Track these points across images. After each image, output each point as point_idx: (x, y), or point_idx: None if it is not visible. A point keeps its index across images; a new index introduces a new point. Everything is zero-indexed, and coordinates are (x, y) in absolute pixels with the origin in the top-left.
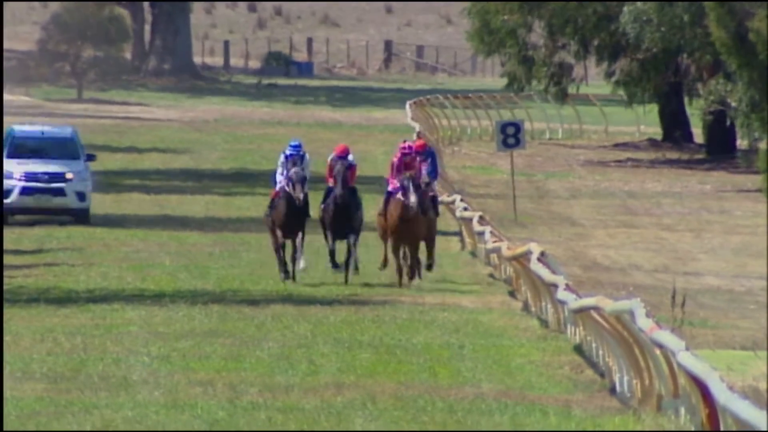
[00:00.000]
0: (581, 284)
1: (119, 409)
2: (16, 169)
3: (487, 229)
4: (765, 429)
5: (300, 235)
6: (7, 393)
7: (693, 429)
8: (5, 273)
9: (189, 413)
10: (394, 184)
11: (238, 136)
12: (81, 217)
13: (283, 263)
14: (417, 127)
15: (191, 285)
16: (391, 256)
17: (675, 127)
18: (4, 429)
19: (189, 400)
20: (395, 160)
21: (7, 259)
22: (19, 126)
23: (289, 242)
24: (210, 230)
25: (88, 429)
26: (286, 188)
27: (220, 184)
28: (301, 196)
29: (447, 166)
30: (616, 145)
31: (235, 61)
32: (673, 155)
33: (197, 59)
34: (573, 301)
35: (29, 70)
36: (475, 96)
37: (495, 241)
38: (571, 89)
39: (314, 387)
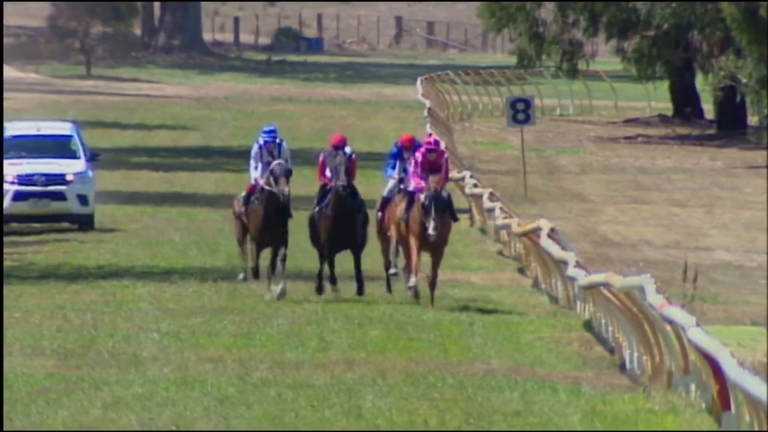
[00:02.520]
0: (591, 260)
1: (129, 385)
2: (8, 170)
3: (497, 205)
4: None
5: (282, 249)
6: (17, 369)
7: (703, 405)
8: (16, 249)
9: (199, 390)
10: (418, 182)
11: (247, 113)
12: (84, 223)
13: (253, 264)
14: (427, 103)
15: (201, 262)
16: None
17: (685, 103)
18: (4, 429)
19: (199, 377)
20: (419, 156)
21: (17, 237)
22: (12, 124)
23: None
24: (220, 207)
25: (98, 405)
26: (265, 186)
27: (230, 161)
28: (286, 190)
29: (457, 141)
30: (627, 121)
31: (245, 38)
32: (683, 131)
33: (207, 36)
34: (583, 278)
35: (38, 46)
36: (486, 72)
37: (505, 218)
38: (582, 65)
39: (324, 363)
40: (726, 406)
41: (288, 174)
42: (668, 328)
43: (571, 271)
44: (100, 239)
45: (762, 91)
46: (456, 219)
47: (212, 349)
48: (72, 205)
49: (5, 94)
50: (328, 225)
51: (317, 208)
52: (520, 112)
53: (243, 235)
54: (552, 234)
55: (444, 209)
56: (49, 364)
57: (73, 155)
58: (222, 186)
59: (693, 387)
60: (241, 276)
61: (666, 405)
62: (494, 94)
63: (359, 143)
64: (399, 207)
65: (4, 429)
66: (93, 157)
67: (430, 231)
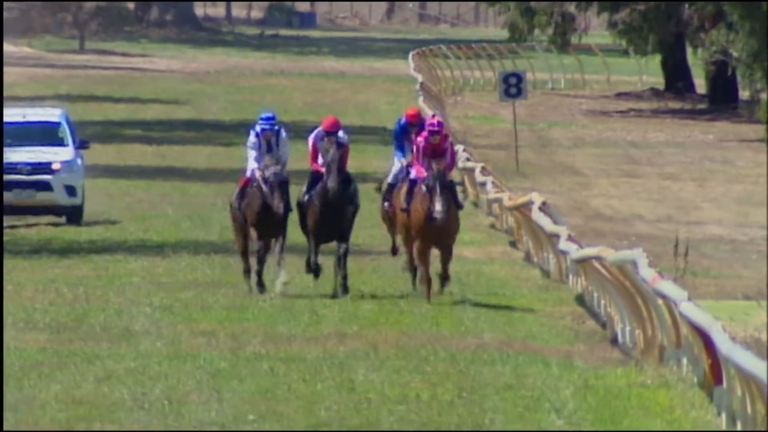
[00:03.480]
0: (583, 234)
1: (121, 359)
2: None
3: (489, 179)
4: (767, 379)
5: (280, 240)
6: (10, 343)
7: (695, 380)
8: (8, 223)
9: (191, 363)
10: (419, 170)
11: (240, 87)
12: (72, 216)
13: (255, 271)
14: (419, 77)
15: (194, 235)
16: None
17: (677, 77)
18: (4, 429)
19: (191, 351)
20: (421, 140)
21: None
22: None
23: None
24: (212, 181)
25: (91, 379)
26: (263, 184)
27: (223, 135)
28: (281, 208)
29: (450, 116)
30: (619, 95)
31: (238, 12)
32: (675, 105)
33: (199, 10)
34: (575, 251)
35: (32, 21)
36: (478, 47)
37: (496, 191)
38: (574, 39)
39: (316, 337)
40: (718, 380)
41: (284, 185)
42: (660, 302)
43: (563, 244)
44: (92, 213)
45: (753, 65)
46: (461, 206)
47: (205, 322)
48: (58, 196)
49: None
50: (316, 216)
51: (306, 197)
52: (512, 86)
53: (244, 239)
54: (543, 207)
55: (450, 191)
56: (42, 338)
57: (61, 143)
58: (214, 160)
59: (685, 361)
60: (254, 288)
61: (658, 379)
62: (486, 68)
63: (351, 116)
64: (402, 192)
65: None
66: (82, 144)
67: (436, 212)
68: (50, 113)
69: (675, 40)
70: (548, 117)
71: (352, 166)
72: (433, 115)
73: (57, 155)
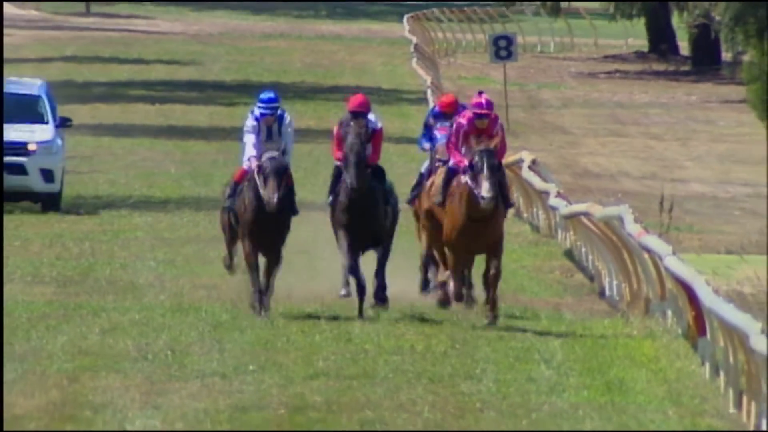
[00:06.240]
0: (572, 191)
1: (126, 311)
2: None
3: None
4: (749, 331)
5: (276, 259)
6: (17, 296)
7: (679, 331)
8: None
9: (193, 315)
10: (457, 157)
11: (240, 48)
12: (47, 203)
13: (255, 287)
14: (414, 39)
15: (196, 192)
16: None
17: (661, 40)
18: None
19: (193, 303)
20: (462, 122)
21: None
22: None
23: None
24: (214, 139)
25: (97, 331)
26: (257, 176)
27: (224, 95)
28: (274, 200)
29: (443, 77)
30: (605, 58)
31: None
32: (659, 67)
33: None
34: (564, 208)
35: None
36: (470, 10)
37: None
38: (563, 4)
39: (315, 291)
40: (701, 331)
41: (281, 173)
42: (646, 256)
43: (553, 201)
44: (98, 170)
45: (735, 28)
46: (510, 203)
47: (206, 276)
48: (33, 181)
49: (5, 30)
50: (344, 220)
51: (331, 197)
52: (503, 48)
53: (233, 244)
54: (533, 166)
55: (498, 172)
56: (49, 291)
57: (40, 120)
58: (216, 119)
59: (669, 313)
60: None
61: (643, 330)
62: (477, 31)
63: (349, 77)
64: (434, 184)
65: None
66: (64, 122)
67: (484, 193)
68: (28, 85)
69: (659, 4)
70: (538, 79)
71: None
72: (480, 93)
73: (34, 134)
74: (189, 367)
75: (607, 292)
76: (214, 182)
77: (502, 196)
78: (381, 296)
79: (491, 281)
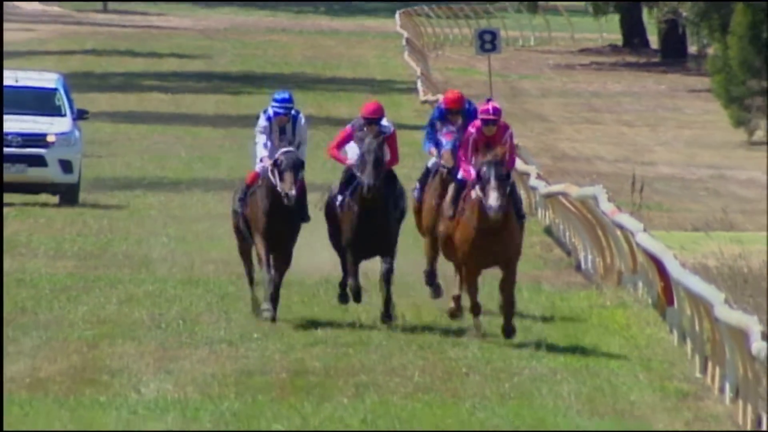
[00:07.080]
0: (551, 173)
1: (141, 284)
2: None
3: None
4: (714, 301)
5: (286, 258)
6: (41, 270)
7: (650, 301)
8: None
9: (203, 287)
10: (466, 169)
11: (245, 42)
12: (67, 194)
13: (271, 285)
14: (405, 34)
15: (204, 174)
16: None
17: (634, 34)
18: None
19: (203, 276)
20: (472, 131)
21: None
22: None
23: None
24: (221, 125)
25: (114, 301)
26: (270, 174)
27: (230, 85)
28: (293, 191)
29: (432, 68)
30: (582, 51)
31: None
32: (631, 59)
33: None
34: (543, 188)
35: None
36: (456, 7)
37: None
38: (541, 1)
39: (315, 264)
40: (670, 301)
41: (297, 168)
42: (618, 232)
43: (533, 181)
44: (115, 153)
45: (701, 23)
46: (523, 216)
47: (215, 251)
48: (52, 173)
49: (30, 26)
50: (353, 224)
51: (339, 197)
52: (487, 42)
53: (247, 251)
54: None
55: (507, 182)
56: (70, 265)
57: (58, 112)
58: (222, 107)
59: (640, 285)
60: (265, 314)
61: (616, 300)
62: (464, 26)
63: (345, 69)
64: (435, 190)
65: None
66: (81, 114)
67: (491, 203)
68: (46, 78)
69: (632, 1)
70: (519, 70)
71: (344, 114)
72: (489, 100)
73: (52, 126)
74: (199, 334)
75: (583, 266)
76: (222, 165)
77: (514, 208)
78: (388, 314)
79: (506, 294)
